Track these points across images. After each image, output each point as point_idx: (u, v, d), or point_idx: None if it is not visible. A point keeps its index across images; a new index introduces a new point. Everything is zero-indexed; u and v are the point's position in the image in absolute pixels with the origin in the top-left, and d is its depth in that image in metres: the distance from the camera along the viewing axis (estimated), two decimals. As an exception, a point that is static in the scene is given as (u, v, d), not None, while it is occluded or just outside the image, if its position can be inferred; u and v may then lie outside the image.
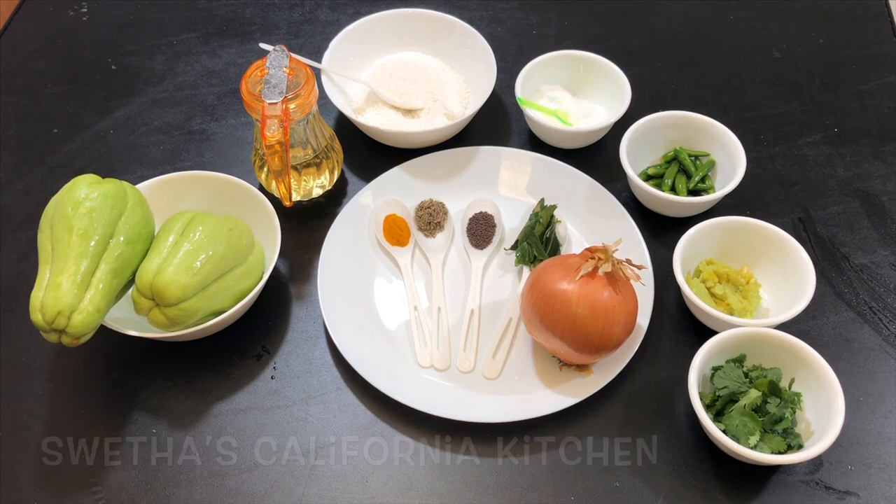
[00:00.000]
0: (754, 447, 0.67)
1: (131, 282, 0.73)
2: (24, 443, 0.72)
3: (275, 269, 0.81)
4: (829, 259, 0.83)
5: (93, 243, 0.68)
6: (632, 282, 0.72)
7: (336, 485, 0.70)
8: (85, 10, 1.09)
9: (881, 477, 0.69)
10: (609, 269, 0.69)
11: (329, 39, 0.97)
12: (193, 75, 1.01)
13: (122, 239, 0.70)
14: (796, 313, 0.72)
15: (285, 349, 0.78)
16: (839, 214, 0.86)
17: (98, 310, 0.68)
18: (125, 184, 0.75)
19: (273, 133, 0.76)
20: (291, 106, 0.78)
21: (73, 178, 0.88)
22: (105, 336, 0.74)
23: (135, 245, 0.72)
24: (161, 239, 0.73)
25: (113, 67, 1.02)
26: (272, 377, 0.76)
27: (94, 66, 1.02)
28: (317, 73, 0.92)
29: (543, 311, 0.71)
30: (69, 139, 0.95)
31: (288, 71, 0.79)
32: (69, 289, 0.66)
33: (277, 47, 0.81)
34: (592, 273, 0.70)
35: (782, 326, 0.73)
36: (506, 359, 0.77)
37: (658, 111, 0.92)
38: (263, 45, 0.89)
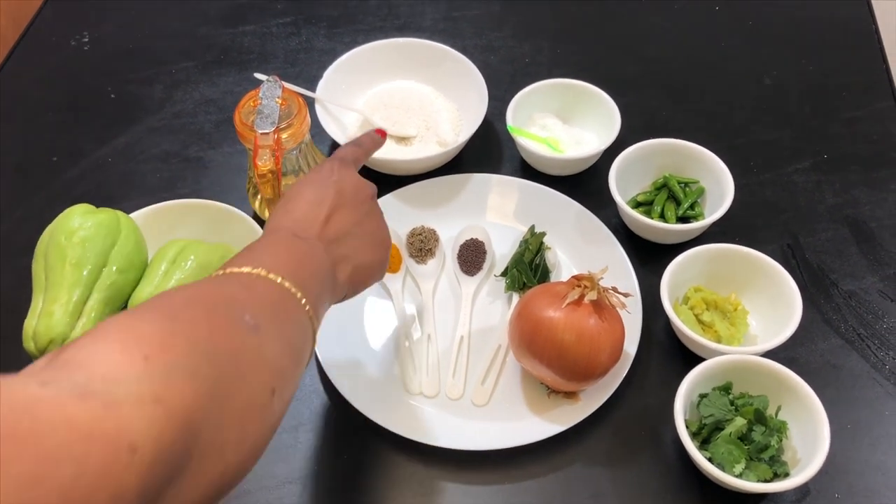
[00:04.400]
0: (740, 475, 0.67)
1: (124, 309, 0.74)
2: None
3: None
4: (818, 286, 0.83)
5: (85, 272, 0.70)
6: (619, 309, 0.72)
7: (324, 512, 0.70)
8: (86, 39, 1.11)
9: (868, 505, 0.69)
10: (595, 297, 0.70)
11: (325, 68, 0.98)
12: (191, 103, 1.03)
13: (114, 268, 0.72)
14: (782, 341, 0.73)
15: (277, 376, 0.79)
16: (828, 241, 0.87)
17: (90, 338, 0.69)
18: (119, 213, 0.76)
19: (265, 162, 0.77)
20: (284, 136, 0.79)
21: (71, 205, 0.90)
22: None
23: (127, 274, 0.73)
24: (153, 268, 0.74)
25: (112, 96, 1.04)
26: (263, 404, 0.77)
27: (94, 94, 1.04)
28: (311, 101, 0.93)
29: (530, 339, 0.71)
30: (68, 167, 0.96)
31: (280, 101, 0.81)
32: (61, 317, 0.68)
33: (271, 78, 0.83)
34: (578, 301, 0.71)
35: (770, 353, 0.74)
36: (494, 385, 0.77)
37: (649, 138, 0.93)
38: (258, 75, 0.90)
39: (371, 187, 0.66)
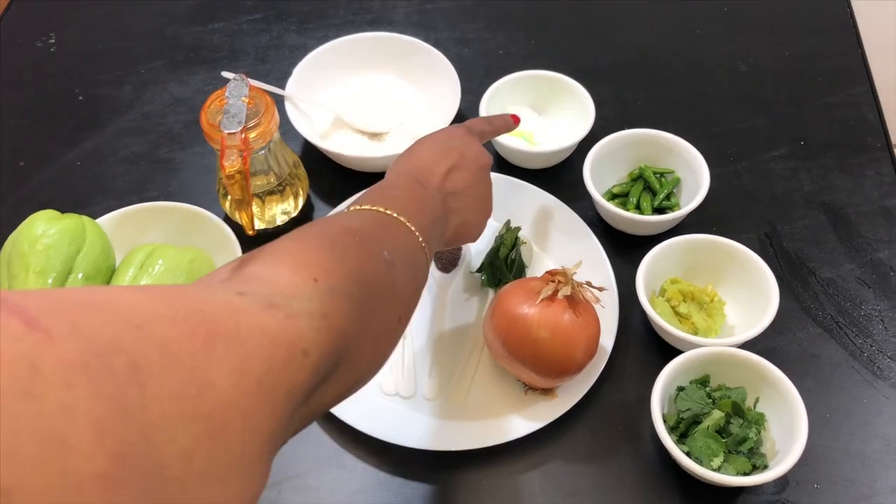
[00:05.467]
0: (718, 469, 0.66)
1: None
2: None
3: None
4: (796, 274, 0.83)
5: (50, 280, 0.68)
6: (594, 304, 0.72)
7: (300, 517, 0.69)
8: (53, 40, 1.09)
9: (847, 494, 0.69)
10: (569, 293, 0.69)
11: (296, 64, 0.97)
12: (160, 104, 1.01)
13: (80, 275, 0.70)
14: (759, 332, 0.72)
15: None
16: (805, 229, 0.86)
17: (56, 347, 0.67)
18: (84, 218, 0.75)
19: (232, 163, 0.76)
20: (251, 135, 0.78)
21: (39, 211, 0.88)
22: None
23: (94, 280, 0.72)
24: (121, 273, 0.73)
25: (80, 98, 1.02)
26: (237, 408, 0.76)
27: (61, 96, 1.02)
28: (281, 99, 0.92)
29: (505, 336, 0.70)
30: (36, 172, 0.95)
31: (247, 100, 0.79)
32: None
33: (237, 76, 0.81)
34: (553, 296, 0.70)
35: (748, 344, 0.73)
36: (471, 384, 0.76)
37: (624, 129, 0.92)
38: (226, 74, 0.89)
39: (489, 157, 0.72)
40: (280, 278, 0.41)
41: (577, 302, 0.70)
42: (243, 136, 0.77)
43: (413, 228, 0.57)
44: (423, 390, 0.76)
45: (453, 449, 0.70)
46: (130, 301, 0.32)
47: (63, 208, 0.90)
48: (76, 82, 1.04)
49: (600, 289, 0.72)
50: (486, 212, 0.72)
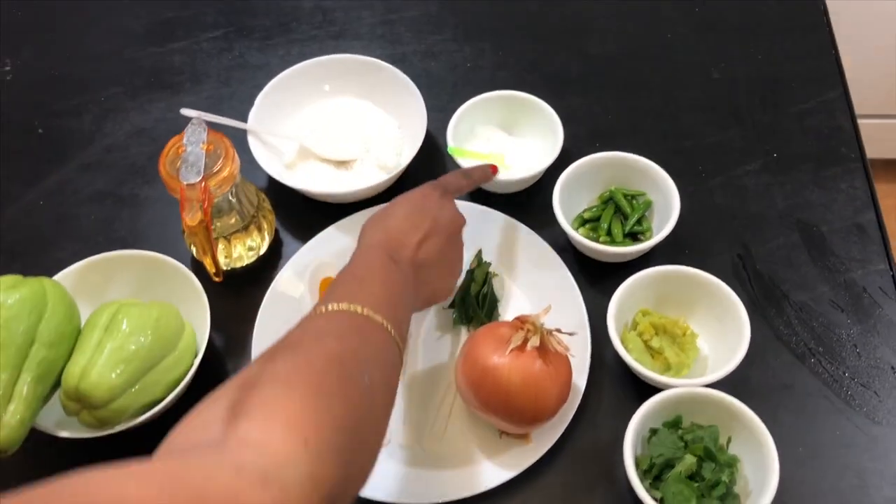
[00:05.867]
0: (691, 515, 0.67)
1: (59, 381, 0.72)
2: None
3: (209, 345, 0.79)
4: (769, 298, 0.82)
5: (11, 354, 0.67)
6: (565, 353, 0.71)
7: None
8: (8, 67, 1.06)
9: (820, 532, 0.70)
10: (537, 343, 0.69)
11: (259, 86, 0.95)
12: (123, 135, 0.99)
13: (43, 344, 0.69)
14: (729, 371, 0.72)
15: (225, 430, 0.77)
16: (778, 249, 0.85)
17: (22, 422, 0.67)
18: (45, 281, 0.73)
19: (193, 217, 0.74)
20: (212, 184, 0.76)
21: (4, 256, 0.87)
22: (37, 435, 0.73)
23: (58, 347, 0.71)
24: (85, 338, 0.72)
25: (40, 131, 1.00)
26: (212, 462, 0.76)
27: (19, 130, 1.00)
28: (244, 131, 0.90)
29: (477, 387, 0.70)
30: (-1, 213, 0.93)
31: (206, 146, 0.77)
32: (-10, 405, 0.66)
33: (195, 120, 0.79)
34: (522, 345, 0.69)
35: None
36: (445, 428, 0.76)
37: (594, 144, 0.92)
38: (185, 112, 0.86)
39: (462, 219, 0.74)
40: (272, 443, 0.43)
41: (547, 350, 0.70)
42: (203, 185, 0.75)
43: (389, 328, 0.58)
44: (398, 437, 0.76)
45: (429, 503, 0.70)
46: (138, 497, 0.36)
47: (27, 252, 0.89)
48: (35, 113, 1.01)
49: (570, 334, 0.72)
50: (456, 273, 0.75)
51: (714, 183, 0.90)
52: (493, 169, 0.81)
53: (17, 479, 0.73)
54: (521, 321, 0.71)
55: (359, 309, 0.58)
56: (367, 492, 0.71)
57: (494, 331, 0.72)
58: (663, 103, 0.98)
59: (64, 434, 0.71)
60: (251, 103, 0.93)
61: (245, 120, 0.92)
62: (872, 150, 0.93)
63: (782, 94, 0.97)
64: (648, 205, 0.86)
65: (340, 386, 0.50)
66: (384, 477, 0.73)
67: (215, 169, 0.77)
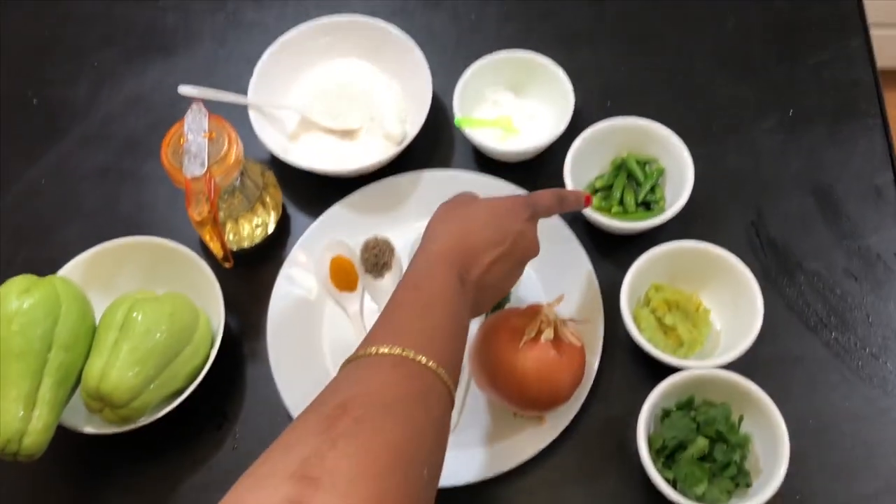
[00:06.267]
0: (702, 495, 0.69)
1: (79, 379, 0.73)
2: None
3: (225, 328, 0.80)
4: (782, 267, 0.82)
5: (31, 362, 0.68)
6: (577, 344, 0.71)
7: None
8: (-4, 32, 1.02)
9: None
10: (551, 336, 0.69)
11: (256, 45, 0.92)
12: (119, 104, 0.96)
13: (60, 347, 0.70)
14: (740, 354, 0.72)
15: (245, 414, 0.79)
16: (793, 213, 0.84)
17: (47, 427, 0.68)
18: (56, 281, 0.73)
19: (200, 212, 0.73)
20: (217, 177, 0.75)
21: (12, 241, 0.87)
22: (62, 431, 0.75)
23: (75, 349, 0.71)
24: (101, 338, 0.72)
25: (35, 101, 0.97)
26: (234, 447, 0.78)
27: (14, 101, 0.97)
28: (242, 108, 0.87)
29: (491, 377, 0.71)
30: (2, 194, 0.92)
31: (208, 135, 0.75)
32: (14, 414, 0.67)
33: (194, 106, 0.77)
34: (536, 337, 0.70)
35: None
36: (461, 409, 0.77)
37: (606, 103, 0.90)
38: (183, 90, 0.84)
39: (537, 251, 0.70)
40: None
41: (560, 340, 0.70)
42: (208, 177, 0.74)
43: (448, 381, 0.55)
44: (415, 419, 0.77)
45: (446, 485, 0.72)
46: None
47: (33, 235, 0.89)
48: (28, 82, 0.98)
49: (583, 322, 0.72)
50: (505, 293, 0.70)
51: (728, 143, 0.88)
52: (587, 200, 0.75)
53: (44, 475, 0.76)
54: (534, 312, 0.71)
55: (422, 359, 0.54)
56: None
57: (508, 321, 0.72)
58: (675, 57, 0.94)
59: (89, 430, 0.73)
60: (248, 65, 0.90)
61: (243, 87, 0.89)
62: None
63: (799, 43, 0.93)
64: (661, 172, 0.84)
65: (401, 487, 0.47)
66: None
67: (219, 159, 0.75)
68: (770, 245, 0.83)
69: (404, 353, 0.54)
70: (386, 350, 0.54)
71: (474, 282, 0.63)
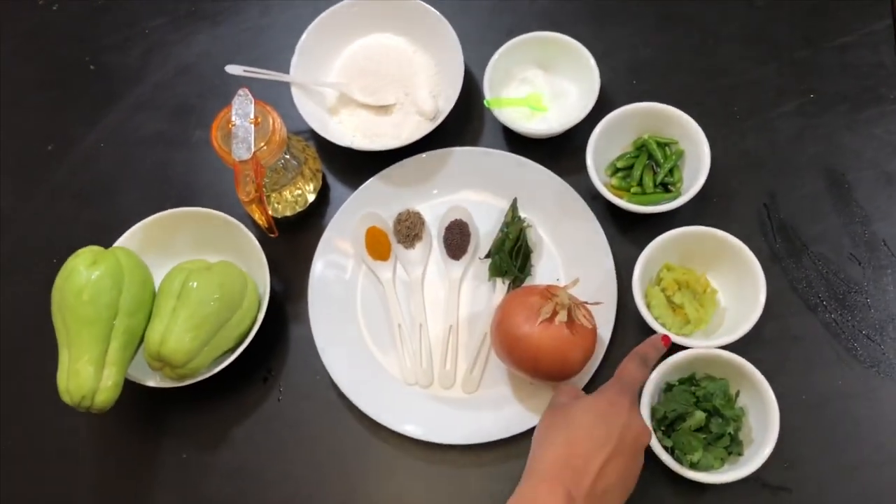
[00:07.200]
0: (697, 461, 0.76)
1: (142, 340, 0.81)
2: (83, 468, 0.86)
3: (269, 289, 0.88)
4: (790, 249, 0.86)
5: (100, 328, 0.77)
6: (590, 326, 0.78)
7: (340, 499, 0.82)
8: (54, -2, 1.08)
9: (813, 474, 0.78)
10: (565, 319, 0.76)
11: (297, 15, 0.96)
12: (169, 72, 1.02)
13: (125, 314, 0.78)
14: (741, 335, 0.78)
15: (288, 370, 0.88)
16: (804, 197, 0.88)
17: (116, 384, 0.78)
18: (119, 254, 0.81)
19: (248, 193, 0.80)
20: (262, 159, 0.81)
21: (74, 203, 0.94)
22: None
23: (138, 315, 0.80)
24: (160, 305, 0.80)
25: (91, 67, 1.04)
26: (279, 399, 0.87)
27: (72, 66, 1.04)
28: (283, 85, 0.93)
29: (509, 351, 0.78)
30: (64, 156, 0.99)
31: (253, 120, 0.81)
32: (87, 374, 0.76)
33: (241, 92, 0.82)
34: (551, 318, 0.76)
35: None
36: (482, 374, 0.85)
37: (631, 81, 0.93)
38: (230, 69, 0.89)
39: (649, 435, 0.68)
40: None
41: (573, 320, 0.77)
42: (254, 160, 0.80)
43: None
44: (439, 380, 0.85)
45: (466, 443, 0.81)
46: None
47: (94, 198, 0.97)
48: (84, 49, 1.05)
49: (597, 303, 0.78)
50: (627, 495, 0.67)
51: (747, 126, 0.92)
52: (666, 341, 0.75)
53: (113, 424, 0.86)
54: (550, 293, 0.77)
55: None
56: (407, 430, 0.81)
57: (525, 299, 0.79)
58: (701, 37, 0.96)
59: (151, 384, 0.82)
60: (290, 35, 0.95)
61: (286, 58, 0.94)
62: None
63: (825, 25, 0.95)
64: (680, 154, 0.88)
65: None
66: (424, 417, 0.83)
67: (264, 142, 0.81)
68: (780, 227, 0.87)
69: None
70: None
71: (585, 495, 0.61)
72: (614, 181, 0.89)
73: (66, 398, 0.77)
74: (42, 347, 0.84)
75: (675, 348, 0.79)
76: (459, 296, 0.88)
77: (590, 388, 0.82)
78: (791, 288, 0.85)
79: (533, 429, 0.80)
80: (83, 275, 0.78)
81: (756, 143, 0.91)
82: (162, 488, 0.84)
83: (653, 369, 0.76)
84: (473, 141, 0.95)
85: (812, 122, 0.91)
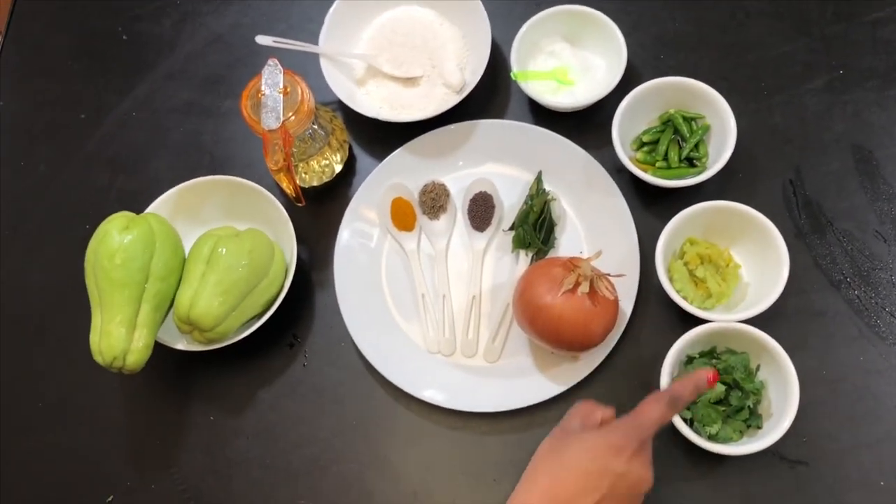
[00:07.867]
0: (716, 433, 0.77)
1: (172, 303, 0.83)
2: (113, 429, 0.88)
3: (296, 257, 0.89)
4: (815, 225, 0.86)
5: (132, 290, 0.79)
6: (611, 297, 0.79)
7: (361, 468, 0.84)
8: (86, -34, 1.09)
9: (830, 448, 0.79)
10: (587, 290, 0.76)
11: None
12: (201, 42, 1.03)
13: (156, 278, 0.80)
14: (762, 310, 0.78)
15: (314, 336, 0.89)
16: (830, 174, 0.88)
17: (147, 346, 0.80)
18: (151, 219, 0.83)
19: (276, 162, 0.81)
20: (291, 129, 0.82)
21: (107, 170, 0.96)
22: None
23: (168, 279, 0.82)
24: (190, 270, 0.82)
25: (124, 37, 1.05)
26: (304, 364, 0.89)
27: (105, 36, 1.05)
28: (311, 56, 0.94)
29: (531, 321, 0.79)
30: (97, 124, 1.01)
31: (282, 91, 0.82)
32: (119, 335, 0.78)
33: (271, 62, 0.83)
34: (574, 289, 0.77)
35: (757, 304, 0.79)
36: (504, 344, 0.86)
37: (659, 56, 0.93)
38: (260, 39, 0.90)
39: (650, 482, 0.64)
40: None
41: (595, 291, 0.77)
42: (283, 129, 0.81)
43: None
44: (462, 349, 0.86)
45: (488, 410, 0.82)
46: None
47: (127, 164, 0.99)
48: (117, 18, 1.06)
49: (619, 276, 0.79)
50: None
51: (775, 101, 0.91)
52: (711, 380, 0.66)
53: (144, 385, 0.89)
54: (573, 264, 0.78)
55: None
56: (429, 397, 0.83)
57: (548, 270, 0.79)
58: (730, 11, 0.96)
59: (181, 347, 0.84)
60: (320, 6, 0.96)
61: (315, 28, 0.95)
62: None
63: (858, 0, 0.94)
64: (706, 129, 0.88)
65: None
66: (447, 385, 0.84)
67: (293, 112, 0.82)
68: (805, 203, 0.87)
69: None
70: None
71: None
72: (639, 155, 0.90)
73: (98, 358, 0.79)
74: (76, 310, 0.86)
75: (697, 319, 0.79)
76: (483, 267, 0.89)
77: (610, 362, 0.83)
78: (815, 264, 0.85)
79: (554, 398, 0.82)
80: (116, 239, 0.79)
81: (783, 119, 0.91)
82: (189, 449, 0.86)
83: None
84: (499, 114, 0.95)
85: (841, 99, 0.90)
